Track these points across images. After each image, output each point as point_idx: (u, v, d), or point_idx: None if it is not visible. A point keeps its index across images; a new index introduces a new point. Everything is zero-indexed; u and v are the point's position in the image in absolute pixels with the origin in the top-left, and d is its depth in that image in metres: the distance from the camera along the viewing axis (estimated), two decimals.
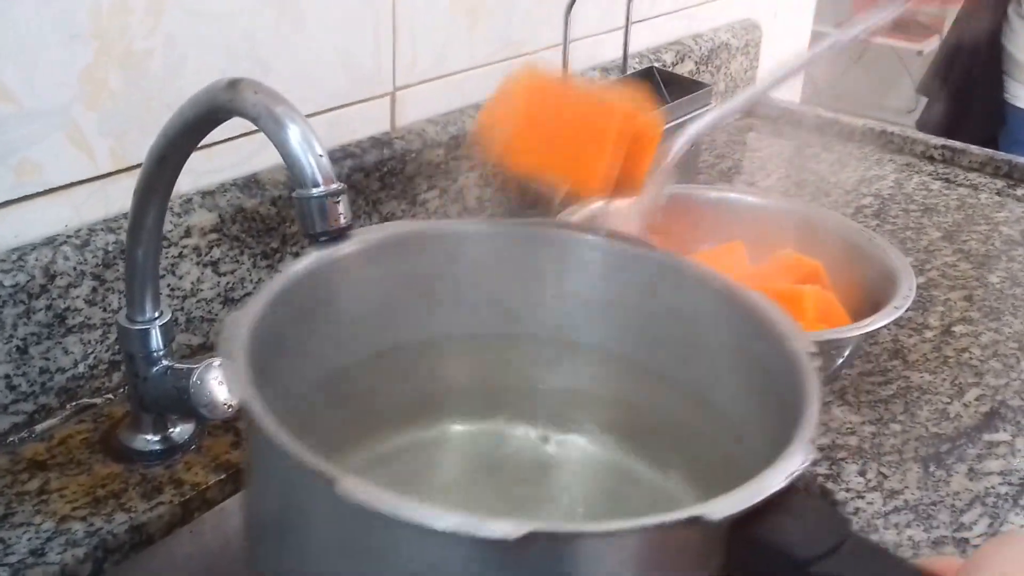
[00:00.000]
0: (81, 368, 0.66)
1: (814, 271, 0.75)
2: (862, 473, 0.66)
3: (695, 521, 0.35)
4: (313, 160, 0.48)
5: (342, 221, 0.49)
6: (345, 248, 0.51)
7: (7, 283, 0.61)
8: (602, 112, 0.58)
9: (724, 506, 0.36)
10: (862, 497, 0.64)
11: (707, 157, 1.15)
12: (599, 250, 0.56)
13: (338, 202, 0.49)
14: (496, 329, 0.58)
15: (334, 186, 0.48)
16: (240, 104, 0.49)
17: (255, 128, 0.50)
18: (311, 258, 0.50)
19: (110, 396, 0.68)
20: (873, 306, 0.69)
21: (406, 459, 0.57)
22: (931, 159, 1.17)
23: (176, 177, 0.57)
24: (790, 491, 0.37)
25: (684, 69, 1.16)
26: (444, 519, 0.34)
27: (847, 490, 0.65)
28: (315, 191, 0.48)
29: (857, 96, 2.74)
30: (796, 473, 0.38)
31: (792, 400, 0.44)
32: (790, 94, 1.50)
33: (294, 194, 0.48)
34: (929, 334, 0.83)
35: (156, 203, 0.58)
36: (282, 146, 0.48)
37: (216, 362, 0.61)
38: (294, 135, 0.48)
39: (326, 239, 0.50)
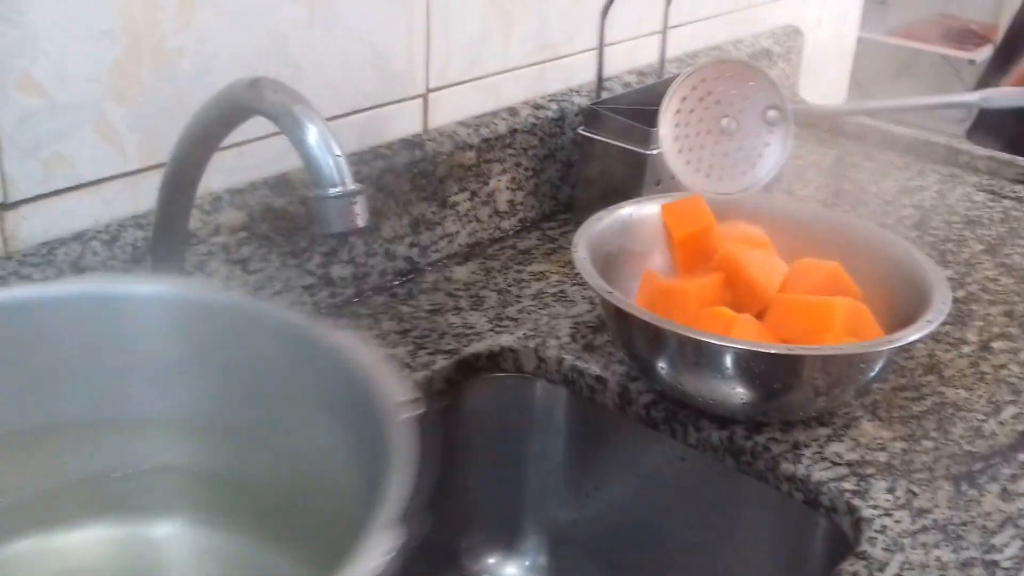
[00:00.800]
0: None
1: (846, 284, 0.73)
2: (891, 490, 0.65)
3: None
4: (331, 160, 0.48)
5: (359, 222, 0.49)
6: None
7: (36, 277, 0.62)
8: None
9: None
10: (890, 515, 0.63)
11: None
12: (161, 305, 0.49)
13: (355, 202, 0.48)
14: (41, 420, 0.48)
15: (351, 186, 0.48)
16: (259, 103, 0.49)
17: None
18: None
19: None
20: (908, 320, 0.68)
21: None
22: (976, 170, 1.15)
23: (201, 174, 0.58)
24: None
25: None
26: None
27: (874, 507, 0.63)
28: (332, 191, 0.48)
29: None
30: None
31: (384, 464, 0.38)
32: (834, 100, 1.47)
33: (311, 194, 0.48)
34: (966, 349, 0.81)
35: (181, 200, 0.58)
36: (300, 145, 0.48)
37: None
38: (312, 135, 0.48)
39: (343, 239, 0.49)
